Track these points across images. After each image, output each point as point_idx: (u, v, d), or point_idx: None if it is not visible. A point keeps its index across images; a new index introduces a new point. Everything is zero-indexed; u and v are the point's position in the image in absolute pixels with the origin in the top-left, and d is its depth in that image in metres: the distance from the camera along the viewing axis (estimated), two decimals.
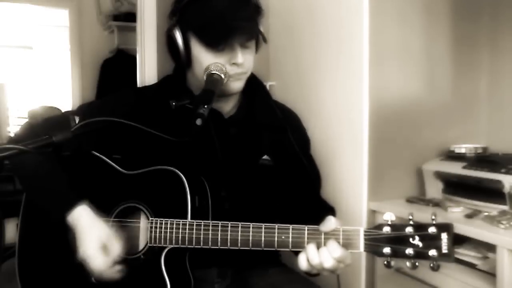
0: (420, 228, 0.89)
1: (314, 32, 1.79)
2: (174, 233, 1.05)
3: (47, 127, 1.16)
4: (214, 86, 1.04)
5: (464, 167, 1.49)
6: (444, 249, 0.87)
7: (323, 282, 1.12)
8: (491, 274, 1.25)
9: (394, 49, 1.62)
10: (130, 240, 1.11)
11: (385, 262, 0.91)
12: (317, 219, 0.99)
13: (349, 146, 1.64)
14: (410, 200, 1.58)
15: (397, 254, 0.90)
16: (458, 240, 1.23)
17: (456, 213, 1.42)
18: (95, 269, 1.03)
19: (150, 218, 1.08)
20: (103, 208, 1.11)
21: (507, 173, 1.36)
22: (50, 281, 1.18)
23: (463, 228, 1.27)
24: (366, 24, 1.55)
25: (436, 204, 1.50)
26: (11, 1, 4.29)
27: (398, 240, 0.90)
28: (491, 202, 1.41)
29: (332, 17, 1.70)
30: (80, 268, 1.07)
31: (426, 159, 1.65)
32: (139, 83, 2.61)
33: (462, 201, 1.50)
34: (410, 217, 0.90)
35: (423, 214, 1.39)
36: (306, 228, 0.97)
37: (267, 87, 1.97)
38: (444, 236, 0.88)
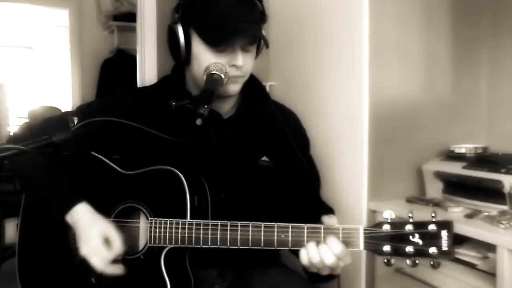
0: (420, 225, 0.89)
1: (314, 32, 1.79)
2: (173, 233, 1.05)
3: (46, 127, 1.16)
4: (214, 86, 1.04)
5: (464, 167, 1.49)
6: (444, 247, 0.87)
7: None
8: (491, 274, 1.25)
9: (394, 50, 1.62)
10: (129, 240, 1.11)
11: (385, 260, 0.91)
12: (316, 220, 0.99)
13: (349, 146, 1.64)
14: (410, 200, 1.58)
15: (397, 252, 0.90)
16: (458, 240, 1.23)
17: (456, 213, 1.42)
18: (98, 265, 1.03)
19: (150, 218, 1.08)
20: (102, 209, 1.11)
21: (507, 173, 1.36)
22: (50, 281, 1.18)
23: (463, 228, 1.27)
24: (366, 25, 1.55)
25: (436, 204, 1.50)
26: (11, 1, 4.30)
27: (398, 238, 0.90)
28: (491, 202, 1.41)
29: (332, 18, 1.70)
30: (80, 268, 1.07)
31: (426, 159, 1.65)
32: (139, 83, 2.61)
33: (462, 201, 1.50)
34: (410, 215, 0.90)
35: (423, 214, 1.39)
36: (305, 227, 0.97)
37: (267, 87, 1.97)
38: (444, 233, 0.88)
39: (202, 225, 1.03)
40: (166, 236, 1.05)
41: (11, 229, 1.26)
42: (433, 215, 0.89)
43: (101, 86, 4.16)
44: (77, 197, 1.08)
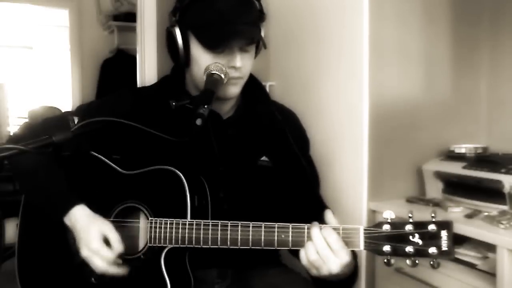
0: (420, 225, 0.89)
1: (314, 32, 1.79)
2: (174, 232, 1.05)
3: (46, 127, 1.16)
4: (214, 86, 1.03)
5: (464, 167, 1.49)
6: (444, 247, 0.87)
7: None
8: (491, 274, 1.25)
9: (394, 50, 1.62)
10: (129, 240, 1.11)
11: (385, 260, 0.91)
12: (316, 220, 0.99)
13: (349, 146, 1.64)
14: (410, 200, 1.58)
15: (397, 252, 0.90)
16: (458, 240, 1.23)
17: (456, 213, 1.42)
18: (99, 265, 1.03)
19: (150, 218, 1.08)
20: (102, 209, 1.11)
21: (507, 173, 1.36)
22: (50, 281, 1.18)
23: (463, 228, 1.27)
24: (366, 25, 1.55)
25: (436, 204, 1.50)
26: (11, 1, 4.30)
27: (398, 238, 0.90)
28: (491, 202, 1.41)
29: (332, 18, 1.70)
30: (80, 268, 1.07)
31: (426, 159, 1.65)
32: (139, 83, 2.61)
33: (462, 201, 1.50)
34: (410, 215, 0.90)
35: (423, 214, 1.39)
36: (306, 227, 0.97)
37: (267, 87, 1.97)
38: (444, 233, 0.88)
39: (202, 225, 1.03)
40: (166, 236, 1.05)
41: (11, 229, 1.26)
42: (433, 215, 0.89)
43: (101, 86, 4.16)
44: (75, 199, 1.08)
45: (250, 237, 1.00)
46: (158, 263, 1.06)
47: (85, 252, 1.04)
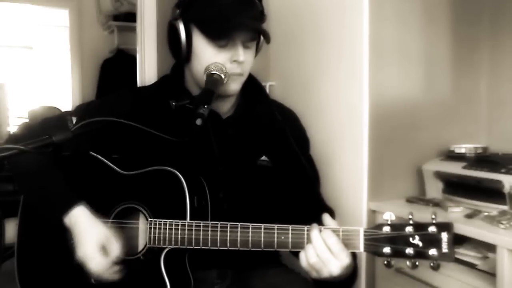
0: (420, 227, 0.89)
1: (314, 32, 1.79)
2: (173, 233, 1.05)
3: (45, 127, 1.16)
4: (214, 86, 1.03)
5: (464, 167, 1.49)
6: (444, 249, 0.87)
7: None
8: (491, 274, 1.25)
9: (394, 50, 1.62)
10: (129, 241, 1.11)
11: (385, 262, 0.91)
12: (317, 221, 0.98)
13: (349, 146, 1.64)
14: (410, 200, 1.58)
15: (397, 253, 0.90)
16: (458, 240, 1.23)
17: (456, 213, 1.42)
18: (94, 270, 1.03)
19: (149, 219, 1.08)
20: (102, 209, 1.10)
21: (507, 173, 1.36)
22: (49, 281, 1.18)
23: (463, 228, 1.27)
24: (366, 25, 1.55)
25: (436, 204, 1.50)
26: (11, 1, 4.30)
27: (398, 239, 0.90)
28: (491, 202, 1.41)
29: (332, 18, 1.70)
30: (79, 268, 1.07)
31: (426, 159, 1.65)
32: (139, 83, 2.61)
33: (462, 201, 1.49)
34: (410, 217, 0.90)
35: (423, 214, 1.39)
36: (305, 228, 0.97)
37: (267, 87, 1.97)
38: (444, 235, 0.88)
39: (202, 226, 1.03)
40: (165, 237, 1.05)
41: (11, 229, 1.26)
42: (433, 216, 0.89)
43: (101, 86, 4.16)
44: (75, 199, 1.08)
45: (250, 238, 1.00)
46: (157, 264, 1.06)
47: (80, 256, 1.04)
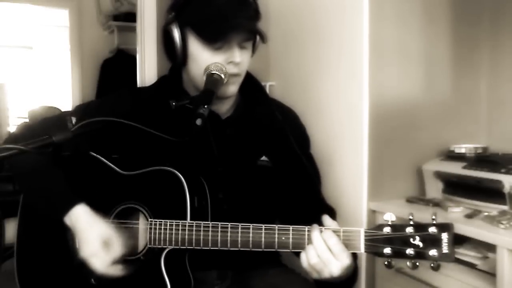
0: (420, 228, 0.89)
1: (314, 32, 1.79)
2: (173, 234, 1.05)
3: (44, 127, 1.16)
4: (214, 86, 1.03)
5: (464, 167, 1.49)
6: (445, 249, 0.88)
7: None
8: (491, 274, 1.25)
9: (394, 50, 1.62)
10: (129, 241, 1.11)
11: (386, 263, 0.91)
12: (318, 221, 0.98)
13: (349, 146, 1.64)
14: (410, 200, 1.58)
15: (398, 254, 0.90)
16: (458, 240, 1.23)
17: (456, 213, 1.42)
18: (98, 267, 1.03)
19: (149, 219, 1.08)
20: (102, 209, 1.10)
21: (507, 173, 1.36)
22: (49, 281, 1.18)
23: (463, 228, 1.27)
24: (366, 25, 1.55)
25: (436, 204, 1.50)
26: (11, 1, 4.30)
27: (398, 240, 0.90)
28: (491, 202, 1.41)
29: (332, 18, 1.70)
30: (79, 268, 1.07)
31: (426, 159, 1.65)
32: (139, 83, 2.61)
33: (462, 201, 1.50)
34: (411, 217, 0.90)
35: (423, 214, 1.39)
36: (306, 229, 0.96)
37: (267, 87, 1.97)
38: (444, 236, 0.88)
39: (202, 226, 1.03)
40: (166, 237, 1.05)
41: (11, 229, 1.26)
42: (433, 217, 0.89)
43: (101, 86, 4.16)
44: (75, 198, 1.08)
45: (251, 239, 0.99)
46: (158, 264, 1.06)
47: (84, 253, 1.04)
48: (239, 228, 1.00)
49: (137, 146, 1.16)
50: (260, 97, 1.26)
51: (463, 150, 1.60)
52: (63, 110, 1.39)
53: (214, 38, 1.07)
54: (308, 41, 1.82)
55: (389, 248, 0.90)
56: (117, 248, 1.04)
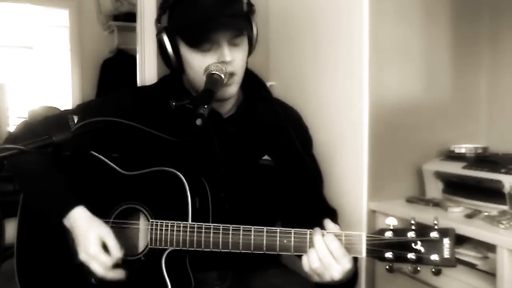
0: (422, 233, 0.89)
1: (314, 32, 1.79)
2: (175, 235, 1.04)
3: (45, 126, 1.15)
4: (214, 86, 1.02)
5: (464, 167, 1.49)
6: (446, 254, 0.88)
7: None
8: (491, 274, 1.25)
9: (394, 49, 1.62)
10: (130, 241, 1.11)
11: (387, 267, 0.91)
12: (320, 221, 0.98)
13: (349, 146, 1.64)
14: (410, 200, 1.58)
15: (399, 259, 0.90)
16: (458, 240, 1.22)
17: (456, 213, 1.42)
18: (97, 270, 1.03)
19: (150, 220, 1.08)
20: (102, 209, 1.10)
21: (507, 173, 1.36)
22: (49, 281, 1.18)
23: (463, 228, 1.27)
24: (366, 24, 1.55)
25: (436, 204, 1.50)
26: (11, 1, 4.30)
27: (400, 245, 0.90)
28: (491, 202, 1.41)
29: (332, 18, 1.70)
30: (79, 268, 1.07)
31: (426, 159, 1.65)
32: (139, 83, 2.60)
33: (462, 201, 1.49)
34: (412, 222, 0.90)
35: (423, 215, 1.39)
36: (308, 232, 0.96)
37: None
38: (446, 241, 0.88)
39: (204, 228, 1.03)
40: (167, 238, 1.05)
41: (11, 229, 1.26)
42: (435, 222, 0.89)
43: (101, 86, 4.16)
44: (74, 200, 1.08)
45: (252, 241, 0.99)
46: (159, 264, 1.06)
47: (83, 256, 1.04)
48: (241, 231, 1.00)
49: (138, 146, 1.16)
50: (262, 95, 1.25)
51: (463, 150, 1.59)
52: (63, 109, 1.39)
53: (197, 41, 1.06)
54: (308, 41, 1.82)
55: (391, 253, 0.90)
56: (116, 251, 1.04)
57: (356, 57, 1.58)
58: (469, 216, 1.37)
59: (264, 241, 0.99)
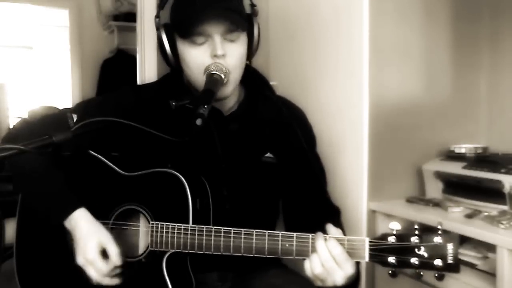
0: (425, 238, 0.89)
1: (314, 32, 1.79)
2: (175, 238, 1.04)
3: (43, 125, 1.15)
4: (214, 86, 1.02)
5: (464, 167, 1.48)
6: (450, 260, 0.88)
7: None
8: (491, 274, 1.25)
9: (394, 49, 1.62)
10: (130, 243, 1.11)
11: (390, 272, 0.91)
12: (323, 221, 0.98)
13: (349, 146, 1.64)
14: (410, 200, 1.58)
15: (402, 264, 0.90)
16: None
17: (456, 213, 1.42)
18: (93, 276, 1.03)
19: (151, 222, 1.08)
20: (102, 210, 1.10)
21: (507, 173, 1.36)
22: (50, 281, 1.18)
23: (463, 228, 1.27)
24: (366, 24, 1.55)
25: (436, 204, 1.50)
26: (11, 1, 4.30)
27: (403, 250, 0.90)
28: (491, 202, 1.41)
29: (332, 18, 1.70)
30: (80, 269, 1.07)
31: (426, 159, 1.65)
32: (139, 83, 2.60)
33: (462, 201, 1.49)
34: (416, 227, 0.90)
35: (423, 215, 1.39)
36: (310, 237, 0.96)
37: None
38: (449, 246, 0.88)
39: (205, 231, 1.02)
40: (168, 241, 1.05)
41: (11, 229, 1.26)
42: (439, 227, 0.89)
43: (101, 86, 4.16)
44: (76, 202, 1.08)
45: (254, 245, 0.99)
46: (159, 266, 1.06)
47: (80, 260, 1.04)
48: (242, 234, 1.00)
49: (139, 146, 1.15)
50: (265, 92, 1.24)
51: (463, 150, 1.59)
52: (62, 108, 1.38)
53: (189, 32, 1.05)
54: (308, 41, 1.82)
55: (394, 258, 0.90)
56: (115, 258, 1.04)
57: (356, 57, 1.58)
58: (469, 216, 1.37)
59: (266, 245, 0.98)
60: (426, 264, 0.88)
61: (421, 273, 0.89)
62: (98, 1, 4.18)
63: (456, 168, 1.51)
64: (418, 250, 0.89)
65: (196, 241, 1.03)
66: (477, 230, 1.25)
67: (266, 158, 1.20)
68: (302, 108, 1.33)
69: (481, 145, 1.62)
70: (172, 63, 1.12)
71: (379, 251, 0.91)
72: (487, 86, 1.78)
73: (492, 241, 1.22)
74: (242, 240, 1.00)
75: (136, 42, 2.62)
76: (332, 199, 1.28)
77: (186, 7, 1.05)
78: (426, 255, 0.88)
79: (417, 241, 0.89)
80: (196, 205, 1.06)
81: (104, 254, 1.04)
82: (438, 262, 0.88)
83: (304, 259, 0.96)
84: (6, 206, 1.48)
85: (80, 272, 1.08)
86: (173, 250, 1.05)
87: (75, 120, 1.12)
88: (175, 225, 1.04)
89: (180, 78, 1.21)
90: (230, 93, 1.13)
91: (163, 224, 1.05)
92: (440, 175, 1.58)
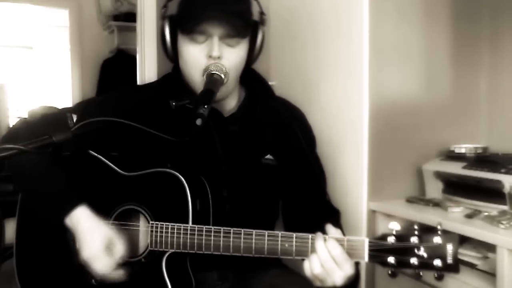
0: (425, 238, 0.89)
1: (314, 32, 1.79)
2: (175, 238, 1.04)
3: (43, 125, 1.14)
4: (214, 86, 1.02)
5: (464, 167, 1.48)
6: (449, 260, 0.88)
7: None
8: (491, 274, 1.25)
9: (394, 49, 1.62)
10: (130, 243, 1.11)
11: (389, 272, 0.91)
12: (323, 222, 0.98)
13: (349, 146, 1.64)
14: (410, 200, 1.58)
15: (402, 264, 0.90)
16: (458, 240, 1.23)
17: (456, 213, 1.42)
18: (99, 271, 1.03)
19: (151, 222, 1.08)
20: (102, 210, 1.10)
21: (507, 173, 1.36)
22: (50, 281, 1.18)
23: (463, 228, 1.27)
24: (366, 24, 1.55)
25: (436, 204, 1.50)
26: (11, 1, 4.30)
27: (402, 250, 0.90)
28: (491, 202, 1.41)
29: (332, 18, 1.70)
30: (80, 269, 1.07)
31: (426, 159, 1.65)
32: (139, 83, 2.61)
33: (462, 201, 1.49)
34: (416, 227, 0.90)
35: (423, 215, 1.39)
36: (309, 237, 0.96)
37: None
38: (449, 247, 0.88)
39: (204, 231, 1.02)
40: (167, 241, 1.05)
41: (11, 229, 1.27)
42: (438, 227, 0.89)
43: (101, 86, 4.17)
44: (76, 200, 1.08)
45: (253, 245, 0.99)
46: (159, 266, 1.06)
47: (86, 255, 1.04)
48: (242, 234, 1.00)
49: (139, 146, 1.15)
50: (265, 94, 1.24)
51: (463, 150, 1.59)
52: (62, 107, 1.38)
53: (190, 28, 1.05)
54: (308, 41, 1.82)
55: (393, 258, 0.90)
56: (119, 251, 1.04)
57: (356, 57, 1.58)
58: (469, 216, 1.37)
59: (266, 245, 0.98)
60: (425, 264, 0.88)
61: (421, 273, 0.89)
62: (98, 1, 4.19)
63: (456, 168, 1.51)
64: (418, 250, 0.89)
65: (195, 241, 1.03)
66: (477, 230, 1.25)
67: (266, 160, 1.20)
68: (302, 108, 1.34)
69: (481, 145, 1.62)
70: (170, 56, 1.13)
71: (378, 251, 0.91)
72: (487, 86, 1.78)
73: (492, 241, 1.22)
74: (242, 240, 1.00)
75: (136, 42, 2.62)
76: (332, 199, 1.28)
77: (193, 3, 1.06)
78: (425, 255, 0.88)
79: (416, 241, 0.89)
80: (196, 205, 1.06)
81: (108, 249, 1.04)
82: (437, 262, 0.88)
83: (304, 259, 0.96)
84: (6, 206, 1.48)
85: (80, 272, 1.08)
86: (173, 250, 1.05)
87: (75, 120, 1.12)
88: (174, 225, 1.04)
89: (180, 78, 1.21)
90: (225, 96, 1.14)
91: (162, 224, 1.05)
92: (440, 175, 1.58)
